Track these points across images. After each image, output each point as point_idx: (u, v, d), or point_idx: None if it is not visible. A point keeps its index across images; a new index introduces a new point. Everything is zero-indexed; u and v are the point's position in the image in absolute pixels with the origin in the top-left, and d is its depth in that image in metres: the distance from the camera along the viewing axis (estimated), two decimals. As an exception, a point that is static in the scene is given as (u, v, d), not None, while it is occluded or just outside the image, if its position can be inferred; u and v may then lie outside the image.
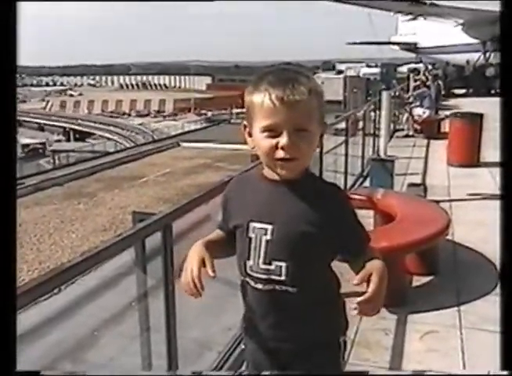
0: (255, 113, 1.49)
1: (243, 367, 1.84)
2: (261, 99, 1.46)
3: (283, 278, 1.53)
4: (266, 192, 1.56)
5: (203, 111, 64.72)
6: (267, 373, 1.67)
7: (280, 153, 1.46)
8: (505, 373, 1.33)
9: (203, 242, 1.64)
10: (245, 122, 1.56)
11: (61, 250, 11.75)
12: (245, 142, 1.59)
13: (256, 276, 1.56)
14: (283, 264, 1.52)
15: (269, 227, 1.53)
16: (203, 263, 1.54)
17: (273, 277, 1.54)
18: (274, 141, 1.46)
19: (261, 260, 1.54)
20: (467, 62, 30.42)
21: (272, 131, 1.46)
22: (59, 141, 52.26)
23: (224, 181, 3.01)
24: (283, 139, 1.44)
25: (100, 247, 2.09)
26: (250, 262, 1.57)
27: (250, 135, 1.55)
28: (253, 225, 1.56)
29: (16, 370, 1.17)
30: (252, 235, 1.55)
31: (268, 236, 1.53)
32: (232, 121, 40.87)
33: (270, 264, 1.53)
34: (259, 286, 1.56)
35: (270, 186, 1.55)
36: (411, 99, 14.63)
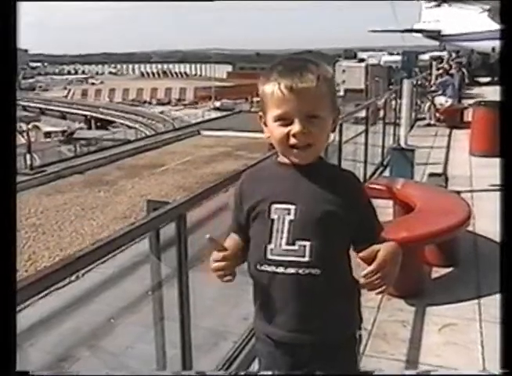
0: (267, 103, 1.53)
1: (255, 365, 1.80)
2: (271, 89, 1.50)
3: (306, 259, 1.51)
4: (285, 175, 1.58)
5: (224, 100, 64.65)
6: (269, 373, 1.63)
7: (293, 141, 1.50)
8: (498, 372, 1.29)
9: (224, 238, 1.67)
10: (260, 113, 1.59)
11: (81, 237, 11.86)
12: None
13: (277, 260, 1.53)
14: (307, 243, 1.51)
15: (292, 207, 1.53)
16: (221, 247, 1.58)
17: (296, 259, 1.52)
18: (286, 129, 1.50)
19: (283, 241, 1.53)
20: (493, 49, 29.78)
21: (284, 120, 1.50)
22: (80, 129, 52.71)
23: (239, 170, 2.99)
24: (295, 127, 1.48)
25: (113, 235, 2.07)
26: (271, 246, 1.54)
27: (265, 124, 1.58)
28: (275, 206, 1.55)
29: (16, 370, 1.16)
30: (275, 216, 1.55)
31: (292, 216, 1.53)
32: (253, 109, 40.75)
33: (293, 244, 1.52)
34: (280, 270, 1.53)
35: (288, 170, 1.57)
36: (433, 88, 14.41)
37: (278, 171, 1.60)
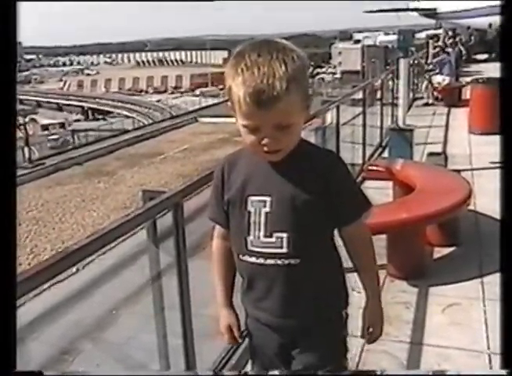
0: (235, 105, 1.45)
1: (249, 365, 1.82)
2: (237, 94, 1.41)
3: (284, 250, 1.52)
4: (260, 165, 1.55)
5: (221, 86, 64.41)
6: (276, 372, 1.67)
7: (264, 148, 1.46)
8: (505, 372, 1.27)
9: (224, 302, 1.74)
10: (229, 103, 1.49)
11: (83, 228, 11.86)
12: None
13: (257, 251, 1.55)
14: (284, 235, 1.51)
15: (268, 199, 1.53)
16: (230, 331, 1.71)
17: (275, 250, 1.53)
18: (256, 137, 1.45)
19: (261, 233, 1.53)
20: (489, 25, 29.56)
21: (253, 130, 1.45)
22: (77, 120, 52.58)
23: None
24: (265, 139, 1.44)
25: (109, 227, 2.04)
26: (250, 238, 1.55)
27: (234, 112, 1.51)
28: (251, 199, 1.55)
29: (16, 370, 1.14)
30: (251, 209, 1.55)
31: (267, 208, 1.53)
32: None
33: (271, 236, 1.53)
34: (261, 261, 1.55)
35: (264, 161, 1.54)
36: (430, 67, 14.29)
37: (254, 159, 1.56)
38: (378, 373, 1.60)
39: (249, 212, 1.55)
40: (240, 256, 1.60)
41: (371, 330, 1.66)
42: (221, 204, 1.63)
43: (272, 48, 1.41)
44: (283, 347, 1.65)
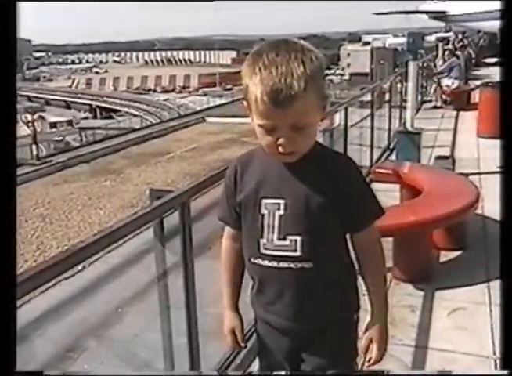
0: (251, 105, 1.44)
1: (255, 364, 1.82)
2: (254, 93, 1.40)
3: (298, 253, 1.51)
4: (274, 167, 1.54)
5: (229, 86, 64.47)
6: (282, 373, 1.66)
7: (279, 149, 1.45)
8: (505, 372, 1.26)
9: (229, 305, 1.74)
10: (244, 102, 1.48)
11: (89, 226, 11.88)
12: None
13: (270, 254, 1.54)
14: (298, 238, 1.51)
15: (281, 202, 1.52)
16: (234, 334, 1.71)
17: (288, 254, 1.52)
18: (272, 137, 1.44)
19: (275, 236, 1.52)
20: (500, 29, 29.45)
21: (269, 130, 1.43)
22: (85, 118, 52.75)
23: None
24: (281, 139, 1.43)
25: (116, 225, 2.05)
26: (263, 240, 1.54)
27: (250, 112, 1.49)
28: (265, 201, 1.54)
29: (16, 370, 1.15)
30: (265, 211, 1.54)
31: (281, 211, 1.52)
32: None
33: (285, 239, 1.52)
34: (274, 264, 1.54)
35: (278, 162, 1.53)
36: (439, 70, 14.24)
37: (267, 161, 1.55)
38: (385, 373, 1.58)
39: (262, 215, 1.54)
40: (252, 259, 1.59)
41: (373, 350, 1.62)
42: (232, 205, 1.62)
43: (291, 48, 1.41)
44: (292, 350, 1.64)
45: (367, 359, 1.64)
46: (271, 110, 1.38)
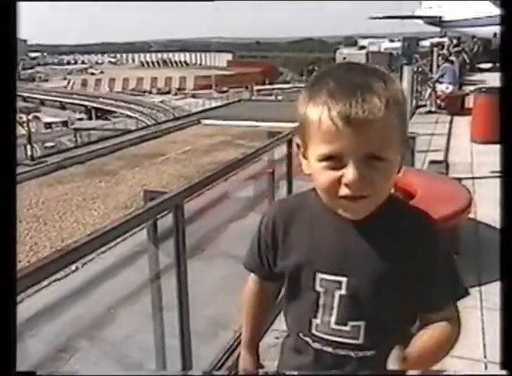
0: (311, 133, 1.12)
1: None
2: (318, 115, 1.09)
3: (360, 341, 1.24)
4: (332, 229, 1.22)
5: (225, 88, 64.55)
6: (295, 373, 1.39)
7: (345, 191, 1.10)
8: (504, 373, 1.27)
9: (247, 344, 1.50)
10: (298, 140, 1.20)
11: (83, 227, 11.86)
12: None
13: (325, 338, 1.26)
14: (362, 324, 1.23)
15: (343, 279, 1.21)
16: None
17: (348, 341, 1.25)
18: (336, 174, 1.10)
19: (333, 319, 1.24)
20: (494, 35, 29.61)
21: (335, 161, 1.10)
22: (80, 119, 52.68)
23: (236, 159, 2.96)
24: (349, 173, 1.08)
25: (109, 226, 2.05)
26: (317, 321, 1.26)
27: (304, 156, 1.19)
28: (321, 276, 1.23)
29: (16, 371, 1.15)
30: (320, 289, 1.24)
31: (343, 291, 1.22)
32: (254, 98, 40.77)
33: (345, 325, 1.24)
34: (328, 349, 1.27)
35: (338, 222, 1.20)
36: (434, 74, 14.32)
37: (323, 218, 1.22)
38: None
39: (317, 292, 1.24)
40: (301, 336, 1.31)
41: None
42: (266, 260, 1.34)
43: (363, 68, 1.15)
44: None
45: None
46: (341, 130, 1.06)
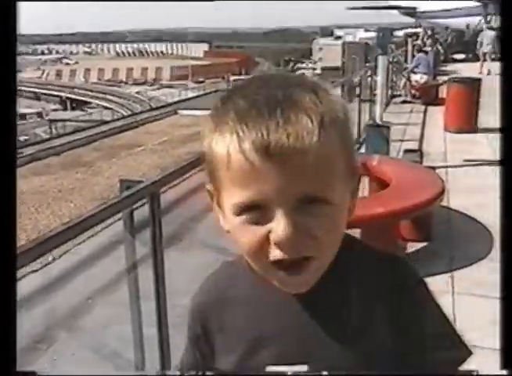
0: (220, 174, 0.76)
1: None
2: (225, 149, 0.73)
3: None
4: (277, 310, 0.86)
5: (201, 78, 64.21)
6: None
7: (276, 253, 0.75)
8: (505, 373, 1.31)
9: None
10: (208, 186, 0.83)
11: (59, 219, 11.74)
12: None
13: None
14: None
15: (301, 370, 0.87)
16: None
17: None
18: (262, 230, 0.75)
19: None
20: (467, 26, 29.97)
21: (257, 213, 0.75)
22: (55, 110, 51.97)
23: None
24: (279, 227, 0.73)
25: (85, 215, 2.06)
26: None
27: (219, 204, 0.82)
28: (270, 369, 0.87)
29: (16, 371, 1.16)
30: None
31: None
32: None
33: None
34: None
35: (281, 296, 0.83)
36: (409, 65, 14.46)
37: (260, 295, 0.87)
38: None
39: None
40: None
41: None
42: (202, 354, 0.96)
43: (284, 78, 0.82)
44: None
45: None
46: (258, 170, 0.71)
